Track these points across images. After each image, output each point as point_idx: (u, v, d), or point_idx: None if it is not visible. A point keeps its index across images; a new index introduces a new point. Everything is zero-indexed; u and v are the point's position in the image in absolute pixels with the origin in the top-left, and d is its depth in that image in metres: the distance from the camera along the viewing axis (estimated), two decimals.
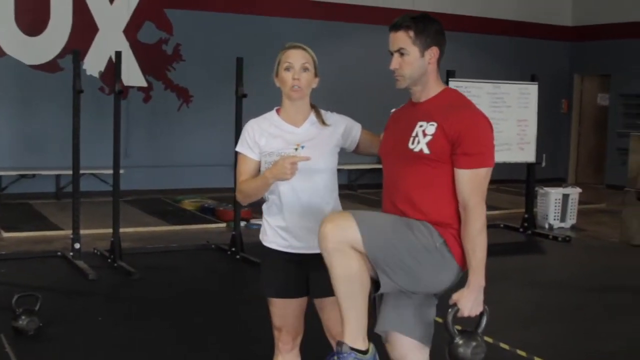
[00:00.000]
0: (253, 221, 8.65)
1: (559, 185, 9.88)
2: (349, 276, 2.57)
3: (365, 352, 2.63)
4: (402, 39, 2.74)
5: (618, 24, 13.54)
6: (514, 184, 11.82)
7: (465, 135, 2.64)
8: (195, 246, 7.71)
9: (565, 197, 9.42)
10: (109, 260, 6.72)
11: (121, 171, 6.98)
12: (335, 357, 2.61)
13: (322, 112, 3.09)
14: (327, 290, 2.69)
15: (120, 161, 6.85)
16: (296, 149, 2.96)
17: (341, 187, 3.20)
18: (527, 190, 9.03)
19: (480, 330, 2.69)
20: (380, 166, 2.94)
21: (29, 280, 6.13)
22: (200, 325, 5.07)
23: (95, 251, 7.14)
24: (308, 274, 3.04)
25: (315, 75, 3.05)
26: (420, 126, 2.72)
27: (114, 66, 6.88)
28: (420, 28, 2.73)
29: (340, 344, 2.62)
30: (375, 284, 2.68)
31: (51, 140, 10.31)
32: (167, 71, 11.29)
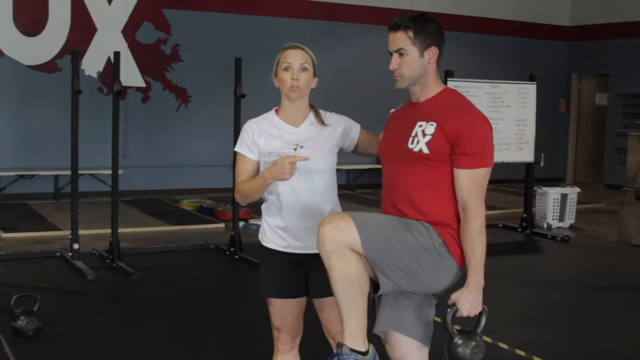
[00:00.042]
0: (252, 221, 8.67)
1: (558, 185, 9.86)
2: (348, 278, 2.57)
3: (365, 353, 2.63)
4: (401, 39, 2.74)
5: (616, 23, 13.56)
6: (513, 184, 11.83)
7: (465, 136, 2.64)
8: (194, 246, 7.70)
9: (564, 196, 9.42)
10: (108, 261, 6.72)
11: (120, 171, 6.99)
12: (336, 359, 2.61)
13: (321, 112, 3.09)
14: (326, 290, 2.68)
15: (119, 161, 6.84)
16: (295, 149, 2.96)
17: (340, 187, 3.20)
18: (526, 190, 9.03)
19: (479, 329, 2.69)
20: (379, 166, 2.93)
21: (27, 280, 6.13)
22: (199, 326, 5.06)
23: (94, 251, 7.14)
24: (307, 274, 3.04)
25: (314, 75, 3.04)
26: (420, 126, 2.72)
27: (112, 66, 6.87)
28: (419, 28, 2.73)
29: (340, 345, 2.62)
30: (374, 285, 2.67)
31: (50, 141, 10.31)
32: (166, 71, 11.28)
